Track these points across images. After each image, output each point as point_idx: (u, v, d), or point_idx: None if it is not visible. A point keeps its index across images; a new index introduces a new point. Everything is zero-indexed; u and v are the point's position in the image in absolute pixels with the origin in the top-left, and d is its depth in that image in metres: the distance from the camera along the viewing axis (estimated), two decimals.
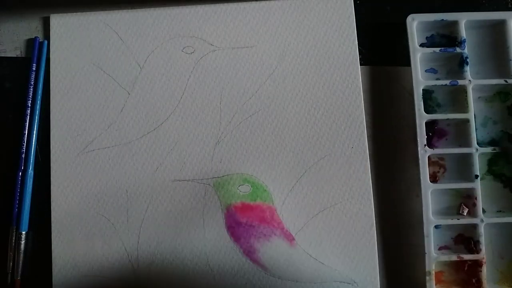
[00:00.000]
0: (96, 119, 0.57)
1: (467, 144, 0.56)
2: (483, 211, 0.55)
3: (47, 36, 0.59)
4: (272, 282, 0.55)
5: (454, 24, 0.58)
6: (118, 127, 0.57)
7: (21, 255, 0.56)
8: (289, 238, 0.55)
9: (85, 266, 0.55)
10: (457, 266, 0.56)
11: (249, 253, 0.55)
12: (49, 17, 0.59)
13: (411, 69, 0.57)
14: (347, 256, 0.55)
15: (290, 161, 0.57)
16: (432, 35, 0.59)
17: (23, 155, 0.57)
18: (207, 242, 0.55)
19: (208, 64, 0.58)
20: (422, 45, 0.59)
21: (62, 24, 0.59)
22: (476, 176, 0.55)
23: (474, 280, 0.55)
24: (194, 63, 0.58)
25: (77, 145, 0.57)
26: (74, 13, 0.59)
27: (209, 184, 0.56)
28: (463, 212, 0.56)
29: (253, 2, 0.59)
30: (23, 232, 0.56)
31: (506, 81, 0.56)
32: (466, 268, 0.55)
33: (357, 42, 0.58)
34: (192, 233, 0.56)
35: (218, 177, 0.56)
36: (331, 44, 0.58)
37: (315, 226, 0.56)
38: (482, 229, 0.55)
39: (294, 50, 0.58)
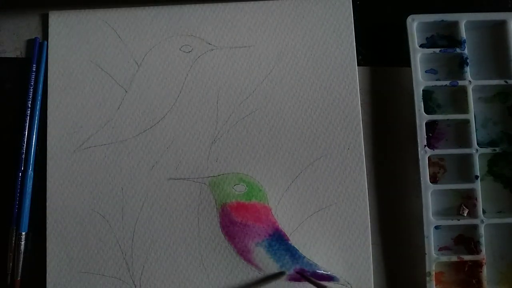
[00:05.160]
0: (93, 117, 0.57)
1: (467, 144, 0.56)
2: (483, 211, 0.55)
3: (47, 36, 0.59)
4: (266, 282, 0.55)
5: (454, 24, 0.58)
6: (114, 125, 0.57)
7: (21, 255, 0.56)
8: (284, 238, 0.55)
9: (79, 263, 0.55)
10: (458, 266, 0.55)
11: (243, 252, 0.55)
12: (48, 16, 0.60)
13: (411, 69, 0.57)
14: (342, 257, 0.55)
15: (286, 161, 0.56)
16: (432, 35, 0.59)
17: (23, 156, 0.57)
18: (202, 241, 0.55)
19: (205, 63, 0.58)
20: (422, 45, 0.59)
21: (60, 21, 0.59)
22: (476, 177, 0.55)
23: (474, 281, 0.54)
24: (192, 62, 0.58)
25: (73, 142, 0.57)
26: (73, 10, 0.59)
27: (204, 183, 0.56)
28: (463, 212, 0.56)
29: (251, 2, 0.59)
30: (23, 233, 0.56)
31: (506, 82, 0.56)
32: (466, 269, 0.55)
33: (354, 43, 0.58)
34: (187, 231, 0.55)
35: (214, 176, 0.56)
36: (329, 44, 0.58)
37: (309, 227, 0.55)
38: (482, 230, 0.54)
39: (292, 50, 0.58)
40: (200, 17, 0.59)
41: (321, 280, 0.54)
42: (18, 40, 0.60)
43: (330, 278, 0.54)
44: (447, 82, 0.56)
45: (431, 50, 0.57)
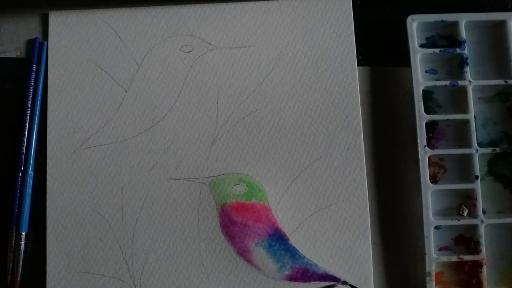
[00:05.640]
0: (93, 117, 0.57)
1: (467, 144, 0.56)
2: (483, 211, 0.55)
3: (47, 36, 0.59)
4: (266, 282, 0.54)
5: (454, 24, 0.58)
6: (114, 125, 0.57)
7: (21, 255, 0.55)
8: (284, 238, 0.55)
9: (79, 263, 0.55)
10: (457, 267, 0.55)
11: (243, 252, 0.55)
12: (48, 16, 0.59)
13: (411, 69, 0.57)
14: (342, 257, 0.55)
15: (286, 161, 0.56)
16: (432, 35, 0.59)
17: (23, 156, 0.57)
18: (202, 241, 0.55)
19: (205, 63, 0.58)
20: (422, 45, 0.59)
21: (60, 21, 0.59)
22: (476, 177, 0.55)
23: (474, 281, 0.54)
24: (192, 62, 0.58)
25: (73, 142, 0.57)
26: (73, 10, 0.59)
27: (204, 183, 0.56)
28: (463, 213, 0.55)
29: (251, 2, 0.59)
30: (23, 233, 0.56)
31: (506, 82, 0.56)
32: (466, 269, 0.55)
33: (355, 43, 0.58)
34: (187, 231, 0.55)
35: (214, 176, 0.56)
36: (329, 44, 0.58)
37: (309, 227, 0.55)
38: (482, 230, 0.54)
39: (292, 51, 0.58)
40: (200, 17, 0.59)
41: (321, 280, 0.54)
42: (18, 40, 0.60)
43: (330, 278, 0.54)
44: (447, 82, 0.56)
45: (431, 50, 0.57)
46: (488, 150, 0.55)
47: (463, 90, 0.56)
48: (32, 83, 0.58)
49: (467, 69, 0.57)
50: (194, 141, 0.57)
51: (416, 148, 0.55)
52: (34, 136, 0.57)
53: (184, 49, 0.58)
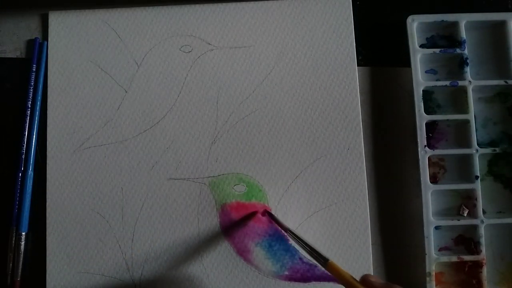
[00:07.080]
0: (92, 117, 0.57)
1: (467, 145, 0.56)
2: (483, 212, 0.55)
3: (47, 36, 0.59)
4: (266, 282, 0.54)
5: (454, 25, 0.58)
6: (114, 125, 0.57)
7: (21, 256, 0.55)
8: (284, 238, 0.55)
9: (79, 263, 0.55)
10: (458, 267, 0.55)
11: (243, 252, 0.55)
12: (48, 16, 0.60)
13: (411, 70, 0.57)
14: (341, 257, 0.55)
15: (286, 161, 0.56)
16: (432, 35, 0.59)
17: (23, 156, 0.57)
18: (201, 240, 0.55)
19: (205, 63, 0.58)
20: (422, 46, 0.59)
21: (60, 21, 0.59)
22: (476, 177, 0.55)
23: (474, 281, 0.54)
24: (192, 62, 0.58)
25: (73, 142, 0.57)
26: (73, 10, 0.59)
27: (204, 183, 0.56)
28: (463, 213, 0.56)
29: (251, 2, 0.59)
30: (23, 233, 0.56)
31: (506, 82, 0.56)
32: (466, 269, 0.55)
33: (354, 43, 0.58)
34: (187, 231, 0.55)
35: (214, 176, 0.56)
36: (329, 45, 0.58)
37: (309, 227, 0.55)
38: (482, 230, 0.54)
39: (292, 51, 0.58)
40: (200, 17, 0.59)
41: (321, 280, 0.54)
42: (18, 40, 0.60)
43: (330, 278, 0.54)
44: (447, 82, 0.56)
45: (431, 50, 0.57)
46: (488, 150, 0.56)
47: (463, 90, 0.56)
48: (32, 83, 0.58)
49: (467, 69, 0.57)
50: (194, 141, 0.57)
51: (416, 148, 0.55)
52: (34, 136, 0.57)
53: (184, 49, 0.58)
